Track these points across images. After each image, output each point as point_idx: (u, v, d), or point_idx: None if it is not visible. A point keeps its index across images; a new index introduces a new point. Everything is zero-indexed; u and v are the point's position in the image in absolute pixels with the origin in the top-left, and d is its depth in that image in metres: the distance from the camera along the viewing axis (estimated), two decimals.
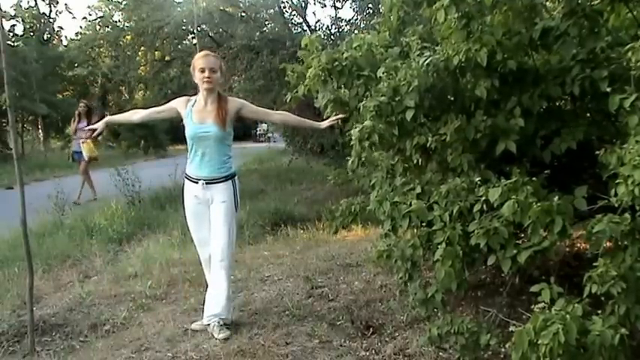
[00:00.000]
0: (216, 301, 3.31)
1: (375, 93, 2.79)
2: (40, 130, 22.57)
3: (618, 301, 2.11)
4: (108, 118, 3.90)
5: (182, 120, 3.37)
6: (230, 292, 3.38)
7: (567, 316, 1.99)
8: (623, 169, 2.07)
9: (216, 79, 3.26)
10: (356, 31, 8.57)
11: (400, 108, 2.69)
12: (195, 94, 3.38)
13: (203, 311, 3.40)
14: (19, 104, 16.69)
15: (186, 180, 3.41)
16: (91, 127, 4.02)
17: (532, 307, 2.17)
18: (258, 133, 28.30)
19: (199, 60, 3.26)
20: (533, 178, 2.40)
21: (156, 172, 9.84)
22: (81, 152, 9.18)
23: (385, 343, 3.12)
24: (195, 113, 3.30)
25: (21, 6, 22.03)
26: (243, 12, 11.83)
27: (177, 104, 3.40)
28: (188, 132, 3.29)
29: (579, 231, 2.81)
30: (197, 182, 3.30)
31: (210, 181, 3.28)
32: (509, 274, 2.93)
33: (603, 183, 2.34)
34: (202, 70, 3.23)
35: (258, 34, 10.80)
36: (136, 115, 3.61)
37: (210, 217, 3.34)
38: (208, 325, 3.32)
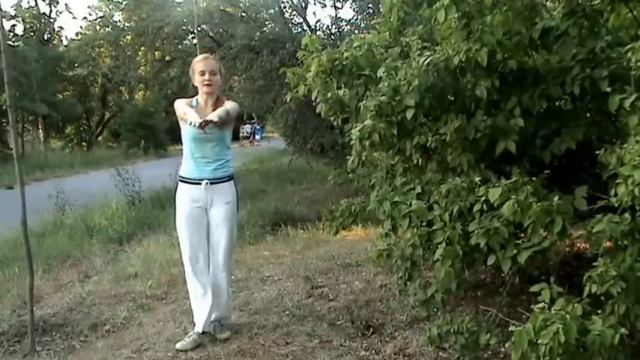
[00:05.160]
0: (217, 304, 3.27)
1: (375, 93, 2.79)
2: (41, 130, 22.62)
3: (618, 300, 2.11)
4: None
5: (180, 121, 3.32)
6: (230, 293, 3.36)
7: (567, 315, 1.99)
8: (623, 169, 2.07)
9: (216, 81, 3.27)
10: (356, 31, 8.58)
11: (400, 107, 2.69)
12: (194, 95, 3.38)
13: (194, 324, 3.27)
14: (19, 104, 16.73)
15: (181, 183, 3.33)
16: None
17: (532, 306, 2.17)
18: (240, 135, 26.57)
19: (199, 63, 3.26)
20: (533, 178, 2.40)
21: (156, 172, 9.85)
22: None
23: (385, 342, 3.12)
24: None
25: (21, 6, 22.08)
26: (243, 12, 11.86)
27: (181, 106, 3.34)
28: (189, 134, 3.24)
29: (579, 231, 2.80)
30: (199, 183, 3.25)
31: (214, 182, 3.25)
32: (509, 274, 2.94)
33: (603, 183, 2.34)
34: (202, 73, 3.23)
35: (258, 34, 10.80)
36: None
37: (208, 221, 3.28)
38: (202, 334, 3.22)
